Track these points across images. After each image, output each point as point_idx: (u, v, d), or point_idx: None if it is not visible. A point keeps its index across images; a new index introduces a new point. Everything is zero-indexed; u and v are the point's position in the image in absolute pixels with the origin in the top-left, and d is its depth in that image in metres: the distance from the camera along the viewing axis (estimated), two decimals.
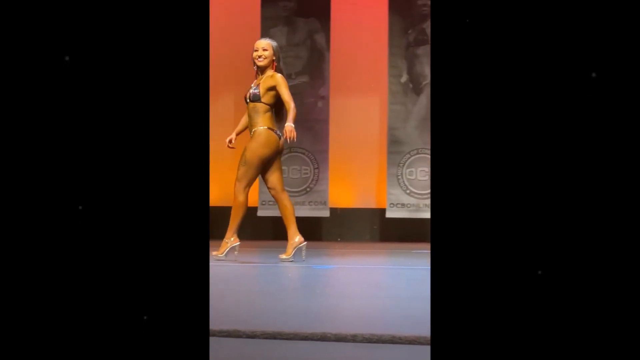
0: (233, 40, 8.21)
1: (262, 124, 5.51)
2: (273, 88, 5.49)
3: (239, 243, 5.62)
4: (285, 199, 5.60)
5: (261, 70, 5.59)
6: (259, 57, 5.56)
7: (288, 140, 5.38)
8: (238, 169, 5.56)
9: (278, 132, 5.54)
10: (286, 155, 7.98)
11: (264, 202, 7.98)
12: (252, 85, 5.61)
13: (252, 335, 2.67)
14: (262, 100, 5.49)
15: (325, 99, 8.02)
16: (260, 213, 7.98)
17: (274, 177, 5.61)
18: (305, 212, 7.93)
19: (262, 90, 5.50)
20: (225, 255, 5.58)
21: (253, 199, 8.09)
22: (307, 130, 7.93)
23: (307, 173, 8.02)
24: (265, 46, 5.58)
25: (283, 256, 5.55)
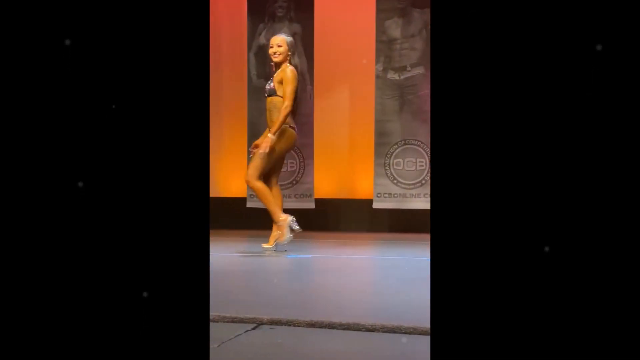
0: (349, 33, 8.24)
1: None
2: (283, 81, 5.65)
3: (292, 217, 5.62)
4: (266, 188, 5.66)
5: (277, 66, 5.71)
6: (274, 53, 5.68)
7: (254, 150, 5.63)
8: (252, 158, 5.63)
9: (294, 126, 5.67)
10: (401, 147, 7.96)
11: (379, 195, 7.98)
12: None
13: (371, 329, 2.68)
14: (278, 93, 5.62)
15: None
16: (375, 205, 7.99)
17: (275, 168, 5.78)
18: (421, 204, 7.89)
19: (275, 84, 5.64)
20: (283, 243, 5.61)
21: (368, 192, 8.11)
22: (422, 122, 7.89)
23: (422, 165, 7.98)
24: (279, 42, 5.70)
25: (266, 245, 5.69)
